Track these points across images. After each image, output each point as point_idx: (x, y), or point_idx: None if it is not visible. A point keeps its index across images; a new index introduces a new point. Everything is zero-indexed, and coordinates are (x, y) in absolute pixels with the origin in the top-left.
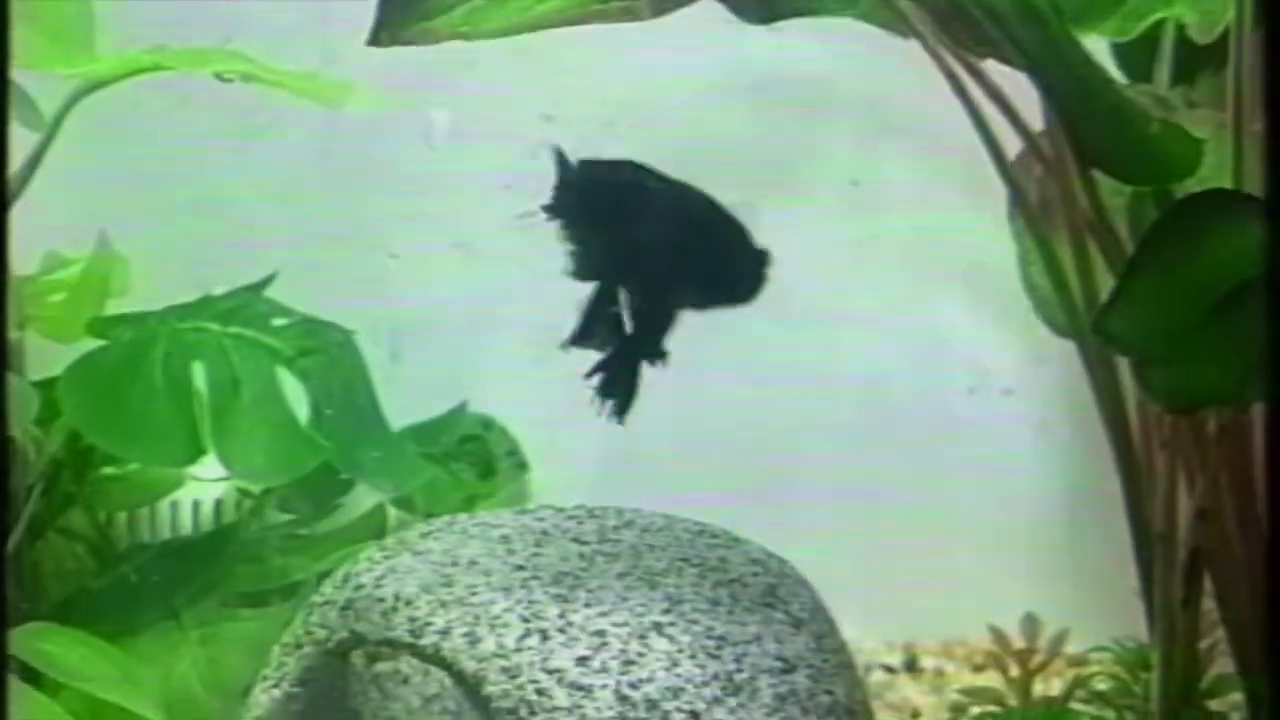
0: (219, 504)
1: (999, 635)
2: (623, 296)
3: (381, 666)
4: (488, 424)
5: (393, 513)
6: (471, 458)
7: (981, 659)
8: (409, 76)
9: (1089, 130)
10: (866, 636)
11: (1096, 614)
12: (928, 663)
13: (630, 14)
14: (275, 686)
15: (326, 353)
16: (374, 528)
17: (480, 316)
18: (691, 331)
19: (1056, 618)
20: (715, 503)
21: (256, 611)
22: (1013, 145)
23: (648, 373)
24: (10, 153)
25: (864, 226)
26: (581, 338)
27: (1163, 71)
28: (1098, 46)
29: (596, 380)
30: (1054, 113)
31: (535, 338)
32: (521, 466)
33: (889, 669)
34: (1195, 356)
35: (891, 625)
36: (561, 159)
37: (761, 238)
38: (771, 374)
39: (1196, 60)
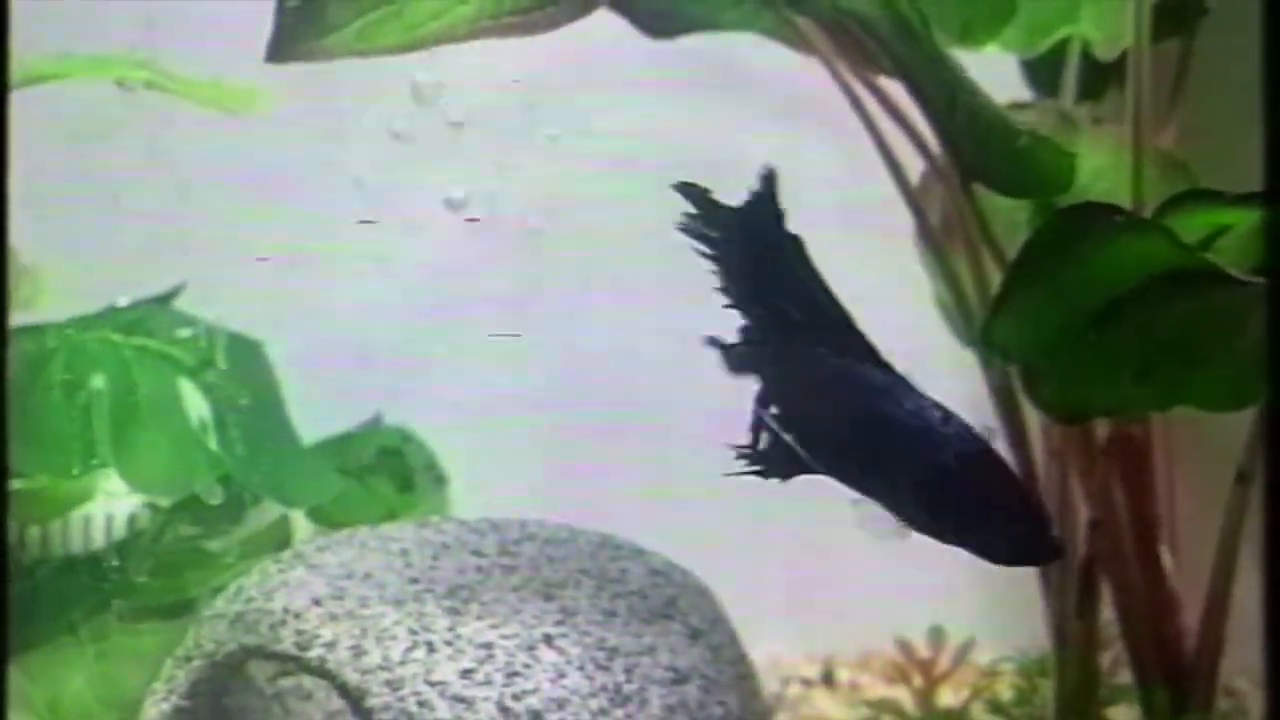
0: (132, 518)
1: (905, 646)
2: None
3: (285, 682)
4: (406, 437)
5: (310, 528)
6: (389, 471)
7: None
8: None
9: (964, 144)
10: (789, 650)
11: (1025, 624)
12: (844, 675)
13: (522, 29)
14: (164, 700)
15: (232, 364)
16: (278, 541)
17: (400, 327)
18: (616, 356)
19: (982, 628)
20: (635, 518)
21: (155, 626)
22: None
23: (576, 384)
24: (10, 151)
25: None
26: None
27: (1068, 88)
28: (1008, 63)
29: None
30: (933, 127)
31: (459, 347)
32: (440, 480)
33: (806, 682)
34: (1079, 367)
35: (814, 639)
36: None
37: (681, 257)
38: (697, 391)
39: (1103, 77)
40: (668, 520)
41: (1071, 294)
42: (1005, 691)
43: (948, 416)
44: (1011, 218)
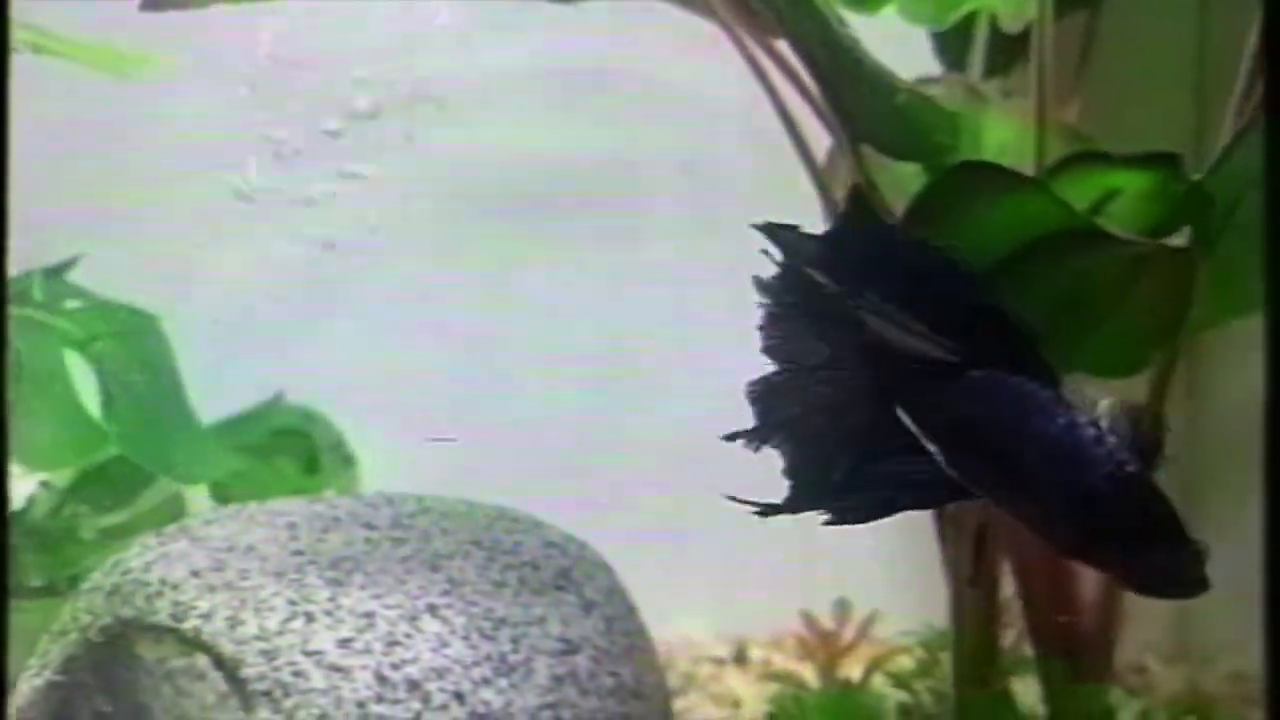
0: (30, 499)
1: (809, 619)
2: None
3: (176, 662)
4: (310, 416)
5: (209, 506)
6: (294, 451)
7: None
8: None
9: (848, 101)
10: (703, 631)
11: (935, 599)
12: (757, 654)
13: None
14: (37, 675)
15: (124, 338)
16: (170, 517)
17: (310, 305)
18: (524, 338)
19: (892, 602)
20: (554, 505)
21: (40, 603)
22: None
23: (483, 372)
24: (10, 151)
25: (700, 215)
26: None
27: (976, 62)
28: (918, 36)
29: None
30: (819, 87)
31: (369, 326)
32: (348, 460)
33: (718, 661)
34: None
35: (729, 619)
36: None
37: (594, 229)
38: (612, 376)
39: (1012, 51)
40: (583, 504)
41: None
42: (908, 664)
43: (1101, 436)
44: (912, 188)
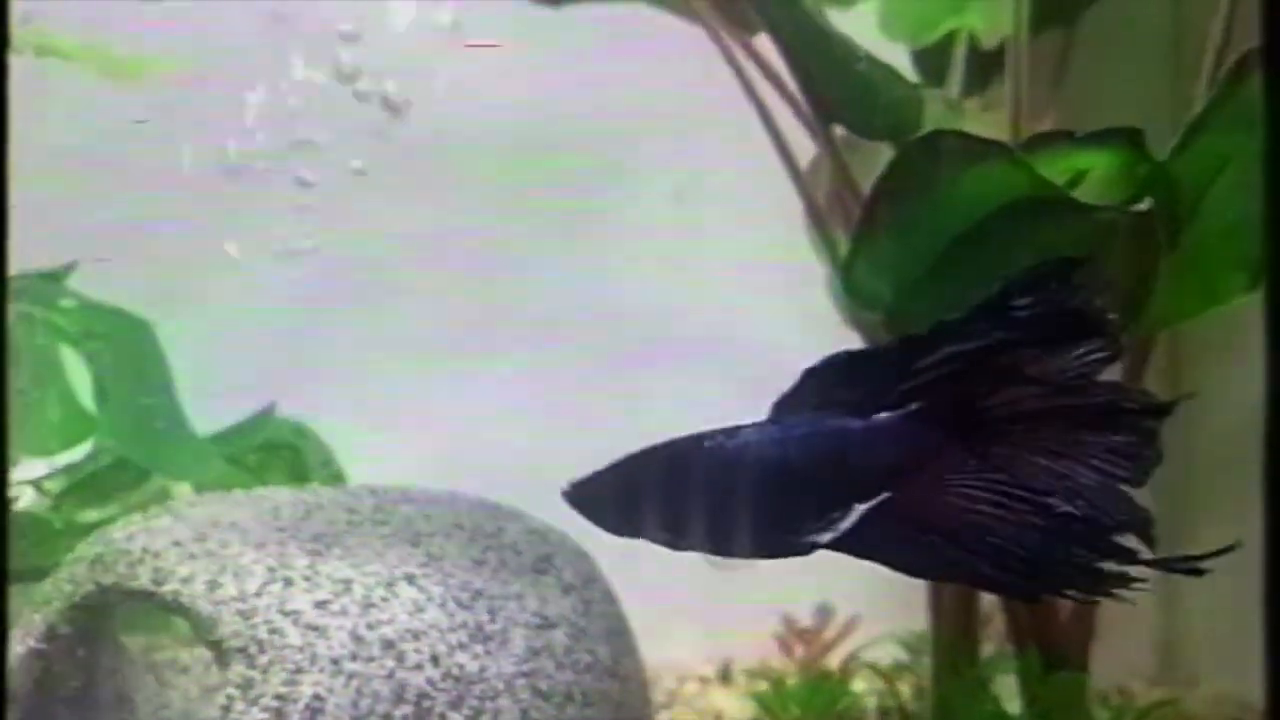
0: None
1: (789, 620)
2: None
3: (160, 655)
4: (301, 432)
5: None
6: (284, 467)
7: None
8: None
9: (817, 77)
10: (693, 655)
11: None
12: (742, 679)
13: None
14: (20, 643)
15: (118, 339)
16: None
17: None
18: (516, 344)
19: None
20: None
21: (23, 586)
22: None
23: (476, 389)
24: (10, 150)
25: (688, 228)
26: None
27: (955, 78)
28: (900, 57)
29: None
30: (790, 67)
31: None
32: (337, 477)
33: (703, 680)
34: (940, 306)
35: (716, 644)
36: None
37: (590, 240)
38: (598, 382)
39: (991, 68)
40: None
41: (927, 225)
42: (885, 660)
43: None
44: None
